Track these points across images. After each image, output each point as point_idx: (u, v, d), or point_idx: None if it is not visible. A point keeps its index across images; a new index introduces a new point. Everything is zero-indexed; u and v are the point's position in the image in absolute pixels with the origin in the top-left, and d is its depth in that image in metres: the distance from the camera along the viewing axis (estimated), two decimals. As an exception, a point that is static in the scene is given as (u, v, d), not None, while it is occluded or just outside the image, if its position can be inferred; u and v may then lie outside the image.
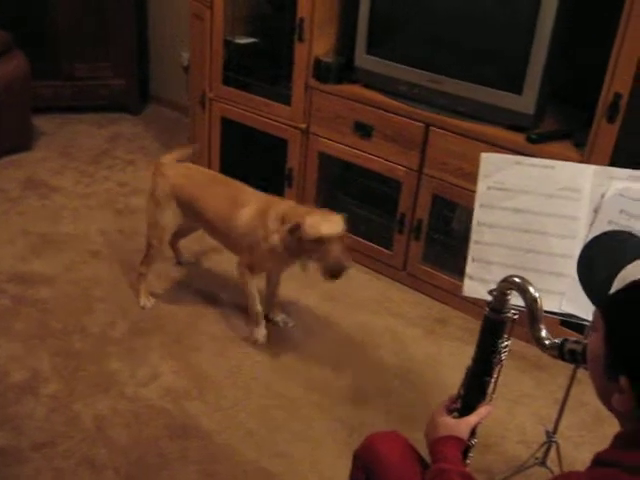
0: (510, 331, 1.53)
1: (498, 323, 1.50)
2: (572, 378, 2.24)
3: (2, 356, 2.77)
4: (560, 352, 1.36)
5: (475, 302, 3.19)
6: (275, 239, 2.68)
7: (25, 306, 3.08)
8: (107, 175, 4.34)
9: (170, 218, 3.02)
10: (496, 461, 2.49)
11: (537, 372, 2.96)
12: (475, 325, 3.16)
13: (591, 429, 2.69)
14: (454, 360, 2.99)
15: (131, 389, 2.66)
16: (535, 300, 1.36)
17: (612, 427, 1.17)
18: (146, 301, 3.14)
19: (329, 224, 2.55)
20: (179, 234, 3.32)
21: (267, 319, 3.06)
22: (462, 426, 1.50)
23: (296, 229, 2.55)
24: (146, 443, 2.44)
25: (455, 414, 1.55)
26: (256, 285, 2.92)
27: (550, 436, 2.32)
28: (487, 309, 1.51)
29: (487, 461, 2.48)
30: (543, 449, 2.38)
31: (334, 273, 2.54)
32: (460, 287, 3.16)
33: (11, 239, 3.58)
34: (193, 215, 2.99)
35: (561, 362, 2.98)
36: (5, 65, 4.26)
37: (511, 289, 1.44)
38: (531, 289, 1.37)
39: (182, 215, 3.02)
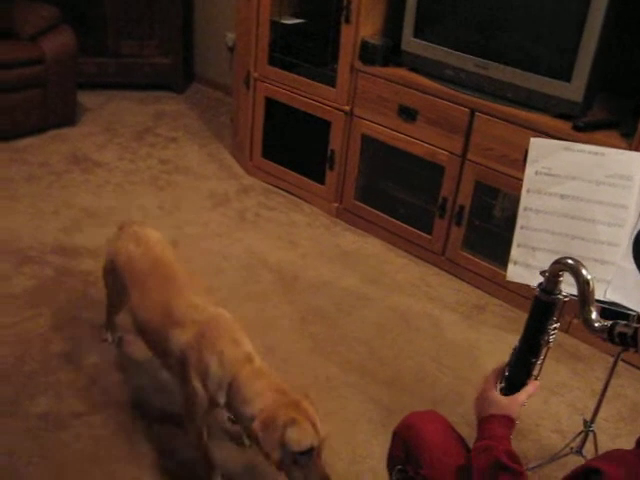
0: (560, 313, 1.52)
1: (548, 304, 1.50)
2: (612, 369, 2.22)
3: (45, 325, 2.83)
4: (610, 335, 1.35)
5: (514, 290, 3.19)
6: (216, 391, 1.97)
7: (68, 277, 3.13)
8: (150, 152, 4.38)
9: (110, 290, 2.59)
10: (531, 448, 2.48)
11: (574, 362, 2.94)
12: (513, 313, 3.19)
13: (628, 421, 2.67)
14: (491, 347, 2.98)
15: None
16: (587, 282, 1.36)
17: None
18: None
19: (318, 430, 1.84)
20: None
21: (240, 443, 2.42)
22: (512, 404, 1.50)
23: (275, 438, 1.80)
24: (178, 414, 2.48)
25: (499, 393, 1.55)
26: (204, 432, 2.17)
27: (588, 425, 2.31)
28: (538, 290, 1.51)
29: (522, 448, 2.48)
30: (579, 438, 2.37)
31: None
32: (500, 274, 3.18)
33: (55, 212, 3.64)
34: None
35: (598, 353, 2.99)
36: (53, 40, 4.32)
37: (564, 271, 1.44)
38: (584, 271, 1.36)
39: (120, 296, 2.46)
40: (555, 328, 1.53)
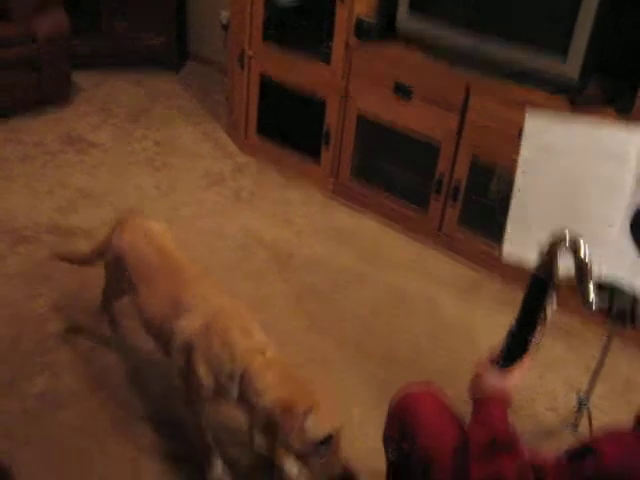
0: (558, 290, 1.51)
1: (545, 281, 1.48)
2: (607, 345, 2.23)
3: (42, 305, 2.83)
4: (608, 312, 1.35)
5: (510, 268, 3.17)
6: (227, 382, 1.94)
7: (64, 258, 3.13)
8: (145, 132, 4.35)
9: (111, 282, 2.54)
10: (525, 424, 2.49)
11: (568, 339, 2.95)
12: (510, 290, 3.19)
13: (621, 397, 2.68)
14: (487, 324, 2.99)
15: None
16: (585, 258, 1.35)
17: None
18: None
19: (335, 415, 1.83)
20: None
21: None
22: (507, 384, 1.50)
23: (295, 427, 1.77)
24: (175, 394, 2.49)
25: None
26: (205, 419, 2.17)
27: (582, 401, 2.32)
28: (534, 266, 1.49)
29: (516, 423, 2.48)
30: (574, 414, 2.38)
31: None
32: (496, 251, 3.17)
33: (49, 192, 3.62)
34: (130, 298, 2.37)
35: (593, 329, 2.99)
36: (46, 21, 4.27)
37: (561, 246, 1.42)
38: (582, 247, 1.35)
39: (121, 289, 2.44)
40: (552, 305, 1.52)
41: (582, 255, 1.35)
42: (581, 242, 1.36)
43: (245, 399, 1.91)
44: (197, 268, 2.25)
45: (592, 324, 3.00)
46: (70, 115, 4.47)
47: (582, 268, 1.35)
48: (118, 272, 2.38)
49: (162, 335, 2.14)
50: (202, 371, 1.97)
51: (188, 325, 2.03)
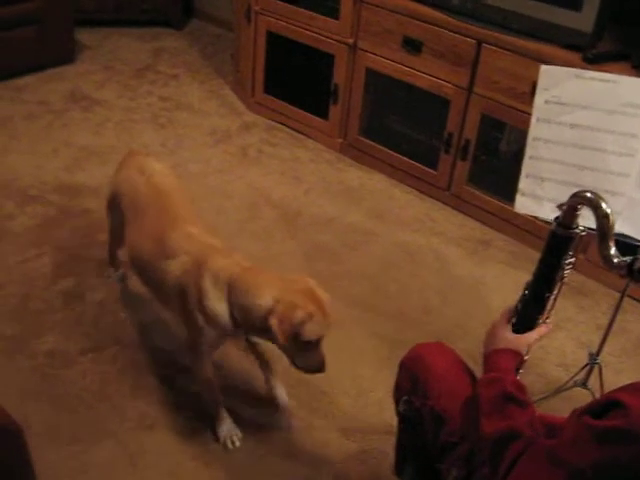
0: (577, 248, 1.48)
1: (565, 239, 1.46)
2: (619, 303, 2.20)
3: (49, 263, 2.82)
4: (629, 271, 1.32)
5: (520, 225, 3.17)
6: (216, 308, 1.94)
7: (70, 216, 3.11)
8: (150, 89, 4.31)
9: (112, 222, 2.52)
10: (535, 382, 2.49)
11: (579, 298, 2.93)
12: (519, 249, 3.17)
13: (632, 356, 2.68)
14: (496, 282, 2.97)
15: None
16: (607, 216, 1.31)
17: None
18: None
19: (328, 318, 1.89)
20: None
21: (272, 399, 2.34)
22: (521, 341, 1.49)
23: (291, 328, 1.83)
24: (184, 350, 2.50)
25: (511, 328, 1.53)
26: (210, 367, 2.15)
27: (593, 358, 2.31)
28: (554, 224, 1.47)
29: (526, 381, 2.45)
30: (583, 371, 2.37)
31: (315, 371, 1.95)
32: (505, 209, 3.16)
33: (55, 151, 3.59)
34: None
35: (604, 288, 2.98)
36: (48, -24, 4.21)
37: (582, 204, 1.40)
38: (603, 205, 1.32)
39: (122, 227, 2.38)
40: (570, 263, 1.50)
41: (603, 213, 1.32)
42: (602, 200, 1.33)
43: (242, 309, 1.91)
44: (189, 210, 2.24)
45: (603, 282, 2.99)
46: (74, 73, 4.42)
47: (603, 227, 1.33)
48: (115, 210, 2.38)
49: (152, 276, 2.14)
50: (198, 313, 1.97)
51: (177, 266, 2.02)
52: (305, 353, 1.90)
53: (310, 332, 1.83)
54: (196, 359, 2.11)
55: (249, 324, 1.93)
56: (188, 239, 2.07)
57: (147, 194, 2.24)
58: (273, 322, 1.82)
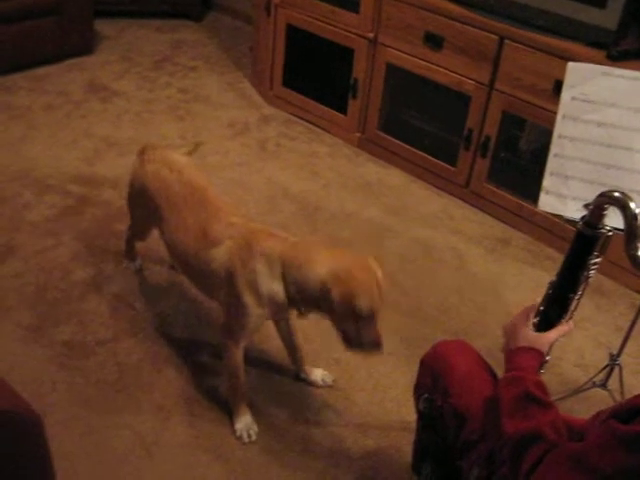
0: (602, 248, 1.47)
1: (591, 238, 1.45)
2: (640, 305, 2.19)
3: (66, 254, 2.82)
4: None
5: (539, 224, 3.14)
6: (272, 287, 1.95)
7: (89, 207, 3.11)
8: (169, 81, 4.31)
9: (137, 217, 2.56)
10: (553, 381, 2.47)
11: (598, 297, 2.91)
12: (538, 247, 3.15)
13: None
14: (514, 280, 2.95)
15: (193, 290, 2.69)
16: (635, 217, 1.30)
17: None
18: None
19: (382, 292, 1.91)
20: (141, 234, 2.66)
21: (300, 379, 2.41)
22: (543, 340, 1.47)
23: (349, 298, 1.84)
24: (202, 342, 2.51)
25: (532, 328, 1.52)
26: (242, 355, 2.15)
27: (613, 359, 2.29)
28: (581, 223, 1.45)
29: (544, 380, 2.46)
30: (602, 373, 2.35)
31: (371, 349, 1.94)
32: (525, 208, 3.14)
33: (74, 141, 3.60)
34: (160, 231, 2.38)
35: (622, 289, 2.95)
36: (68, -35, 4.21)
37: (609, 204, 1.38)
38: (632, 205, 1.30)
39: (149, 221, 2.46)
40: (596, 264, 1.48)
41: (631, 213, 1.31)
42: (630, 200, 1.31)
43: (298, 285, 1.92)
44: (226, 201, 2.28)
45: (622, 282, 2.96)
46: (93, 63, 4.43)
47: (631, 227, 1.31)
48: (143, 205, 2.38)
49: (195, 267, 2.16)
50: (247, 297, 1.98)
51: (223, 253, 2.04)
52: (361, 329, 1.88)
53: (367, 302, 1.84)
54: (232, 344, 2.11)
55: (306, 298, 1.94)
56: (231, 227, 2.09)
57: (182, 191, 2.25)
58: (334, 290, 1.83)
